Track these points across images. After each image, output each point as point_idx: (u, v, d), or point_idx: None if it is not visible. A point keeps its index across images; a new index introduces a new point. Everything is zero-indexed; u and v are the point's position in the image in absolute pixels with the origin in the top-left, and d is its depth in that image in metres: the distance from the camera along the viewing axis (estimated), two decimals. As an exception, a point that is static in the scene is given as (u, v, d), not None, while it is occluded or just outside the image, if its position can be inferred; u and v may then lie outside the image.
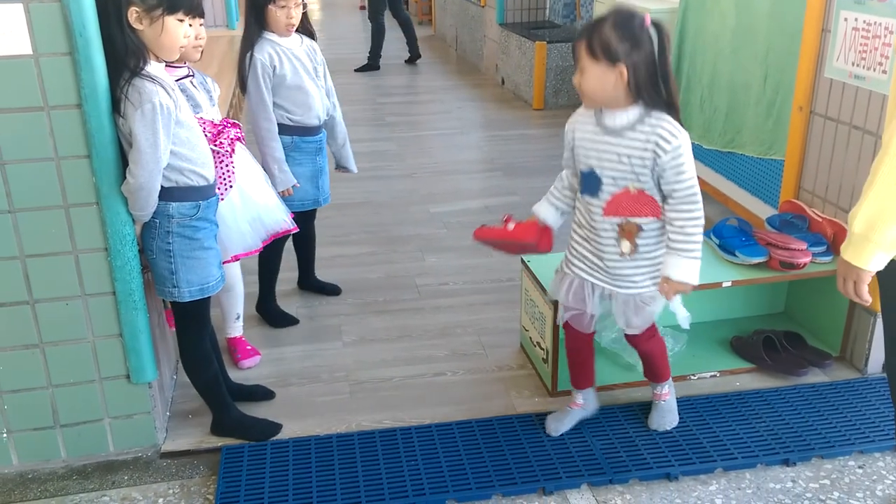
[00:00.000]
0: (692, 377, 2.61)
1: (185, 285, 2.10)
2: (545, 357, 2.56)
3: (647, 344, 2.30)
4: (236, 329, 2.77)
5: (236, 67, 2.79)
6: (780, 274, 2.58)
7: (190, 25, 2.05)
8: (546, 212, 2.24)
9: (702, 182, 4.00)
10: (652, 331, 2.29)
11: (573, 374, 2.36)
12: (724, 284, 2.56)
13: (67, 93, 1.90)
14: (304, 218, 3.04)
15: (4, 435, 2.18)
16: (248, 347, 2.77)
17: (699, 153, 4.03)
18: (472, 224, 3.73)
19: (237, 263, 2.64)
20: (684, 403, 2.47)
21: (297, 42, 2.79)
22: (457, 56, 8.62)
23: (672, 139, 1.93)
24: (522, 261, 2.72)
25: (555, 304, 2.44)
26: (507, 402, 2.52)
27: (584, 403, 2.38)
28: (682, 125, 1.97)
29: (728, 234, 2.69)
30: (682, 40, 4.12)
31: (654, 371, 2.37)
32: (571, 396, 2.39)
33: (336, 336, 2.94)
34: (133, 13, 1.91)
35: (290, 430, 2.39)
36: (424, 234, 3.78)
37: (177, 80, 2.32)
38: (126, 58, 1.92)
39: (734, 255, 2.62)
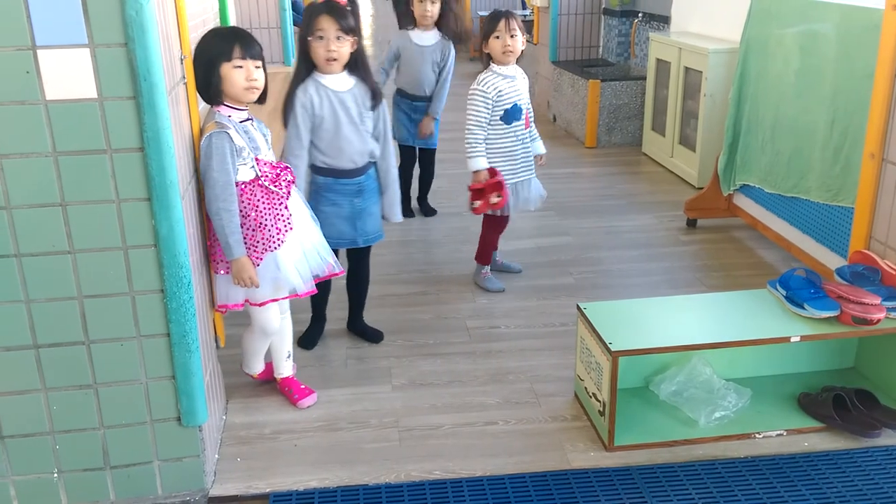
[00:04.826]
0: (757, 436, 2.49)
1: None
2: (602, 409, 2.47)
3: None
4: (287, 368, 2.75)
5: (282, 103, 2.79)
6: (852, 329, 2.46)
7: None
8: (484, 161, 3.35)
9: (764, 227, 3.94)
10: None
11: (489, 253, 3.62)
12: (793, 339, 2.44)
13: (130, 136, 1.91)
14: (356, 257, 3.03)
15: (55, 475, 2.18)
16: (303, 387, 2.74)
17: (761, 197, 3.92)
18: (525, 264, 3.65)
19: (286, 303, 2.64)
20: (749, 464, 2.36)
21: (345, 84, 2.76)
22: (508, 92, 8.60)
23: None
24: (578, 307, 2.64)
25: (614, 356, 2.36)
26: (561, 455, 2.44)
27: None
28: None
29: (796, 286, 2.58)
30: (743, 82, 4.03)
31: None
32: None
33: (386, 379, 2.89)
34: None
35: (339, 477, 2.34)
36: (476, 275, 3.72)
37: (240, 122, 2.37)
38: None
39: (803, 307, 2.51)
